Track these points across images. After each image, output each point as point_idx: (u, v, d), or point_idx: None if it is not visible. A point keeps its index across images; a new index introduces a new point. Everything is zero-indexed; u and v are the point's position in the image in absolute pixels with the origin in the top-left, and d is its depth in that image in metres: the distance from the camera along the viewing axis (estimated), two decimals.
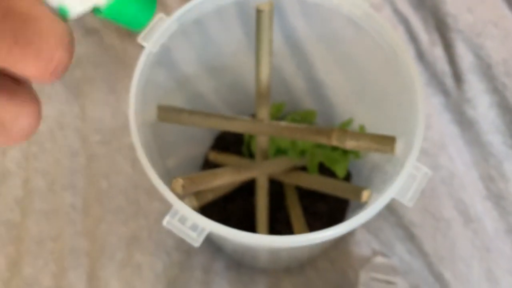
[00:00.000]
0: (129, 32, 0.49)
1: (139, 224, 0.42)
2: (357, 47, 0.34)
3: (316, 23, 0.34)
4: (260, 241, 0.23)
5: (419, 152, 0.25)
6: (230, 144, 0.43)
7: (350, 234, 0.42)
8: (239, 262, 0.41)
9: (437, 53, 0.45)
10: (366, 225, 0.42)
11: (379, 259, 0.41)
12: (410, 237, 0.41)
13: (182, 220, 0.23)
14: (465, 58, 0.43)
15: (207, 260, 0.41)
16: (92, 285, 0.41)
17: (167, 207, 0.43)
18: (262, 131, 0.29)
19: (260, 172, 0.31)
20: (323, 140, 0.28)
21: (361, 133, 0.28)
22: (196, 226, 0.23)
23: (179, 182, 0.24)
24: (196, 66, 0.37)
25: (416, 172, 0.24)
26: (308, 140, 0.28)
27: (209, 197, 0.38)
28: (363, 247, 0.42)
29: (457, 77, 0.44)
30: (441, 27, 0.45)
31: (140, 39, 0.28)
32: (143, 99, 0.28)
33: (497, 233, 0.41)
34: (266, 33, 0.30)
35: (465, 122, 0.43)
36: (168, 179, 0.26)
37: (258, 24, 0.29)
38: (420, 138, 0.25)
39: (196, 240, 0.23)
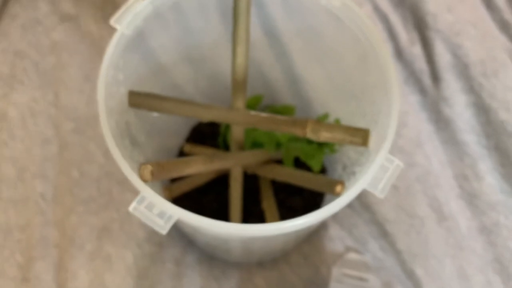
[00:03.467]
0: (107, 19, 0.48)
1: (111, 215, 0.41)
2: (335, 41, 0.34)
3: (296, 15, 0.34)
4: (229, 229, 0.22)
5: (393, 148, 0.25)
6: (206, 136, 0.43)
7: (323, 230, 0.42)
8: (211, 256, 0.41)
9: (415, 51, 0.45)
10: (340, 221, 0.42)
11: (352, 255, 0.41)
12: (384, 234, 0.41)
13: (150, 207, 0.22)
14: (443, 57, 0.44)
15: (179, 253, 0.41)
16: (60, 276, 0.39)
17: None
18: (237, 120, 0.28)
19: (234, 163, 0.31)
20: (297, 132, 0.28)
21: (335, 125, 0.28)
22: (164, 213, 0.22)
23: (147, 168, 0.23)
24: (173, 55, 0.36)
25: (388, 164, 0.24)
26: (283, 131, 0.28)
27: (183, 188, 0.37)
28: (336, 243, 0.41)
29: (435, 76, 0.44)
30: (420, 25, 0.45)
31: (112, 21, 0.27)
32: (114, 84, 0.27)
33: (470, 232, 0.41)
34: (243, 20, 0.29)
35: (441, 121, 0.44)
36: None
37: (235, 10, 0.29)
38: (393, 130, 0.25)
39: (163, 228, 0.22)
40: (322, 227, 0.42)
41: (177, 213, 0.22)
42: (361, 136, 0.27)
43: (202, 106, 0.29)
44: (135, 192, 0.42)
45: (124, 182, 0.42)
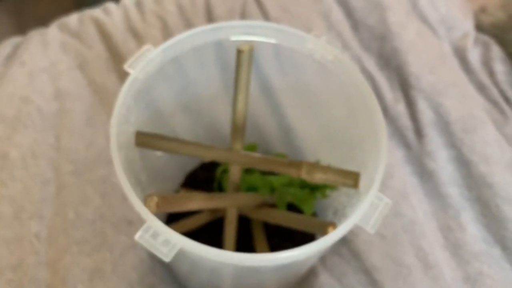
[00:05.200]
0: (110, 69, 0.50)
1: (104, 257, 0.42)
2: (327, 94, 0.36)
3: (289, 71, 0.37)
4: (227, 258, 0.24)
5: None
6: (201, 181, 0.44)
7: (314, 277, 0.42)
8: None
9: (400, 109, 0.48)
10: (330, 269, 0.43)
11: None
12: (372, 282, 0.42)
13: (155, 235, 0.24)
14: (426, 114, 0.47)
15: None
16: None
17: (133, 241, 0.43)
18: (236, 160, 0.30)
19: (231, 202, 0.32)
20: (293, 173, 0.30)
21: (329, 167, 0.30)
22: (168, 242, 0.23)
23: (153, 200, 0.25)
24: (172, 104, 0.39)
25: (378, 202, 0.26)
26: (279, 171, 0.30)
27: (179, 230, 0.38)
28: None
29: (418, 131, 0.47)
30: (404, 85, 0.49)
31: (126, 66, 0.30)
32: (124, 123, 0.29)
33: (455, 281, 0.42)
34: (245, 72, 0.32)
35: (425, 174, 0.46)
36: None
37: (238, 63, 0.32)
38: (381, 170, 0.27)
39: (167, 256, 0.23)
40: (312, 274, 0.43)
41: (181, 241, 0.23)
42: (352, 178, 0.29)
43: (204, 146, 0.30)
44: (129, 235, 0.42)
45: (118, 225, 0.43)
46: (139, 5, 0.55)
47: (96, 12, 0.55)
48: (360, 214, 0.26)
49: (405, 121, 0.47)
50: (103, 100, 0.49)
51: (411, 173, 0.46)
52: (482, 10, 0.54)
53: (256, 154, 0.30)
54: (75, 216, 0.43)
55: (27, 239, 0.42)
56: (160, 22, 0.53)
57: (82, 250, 0.42)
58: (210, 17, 0.54)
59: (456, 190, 0.45)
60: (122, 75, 0.50)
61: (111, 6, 0.56)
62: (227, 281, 0.33)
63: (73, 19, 0.54)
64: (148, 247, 0.24)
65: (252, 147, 0.43)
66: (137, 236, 0.24)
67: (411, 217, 0.44)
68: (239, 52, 0.31)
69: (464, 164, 0.45)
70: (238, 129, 0.32)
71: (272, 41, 0.33)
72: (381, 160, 0.28)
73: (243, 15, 0.54)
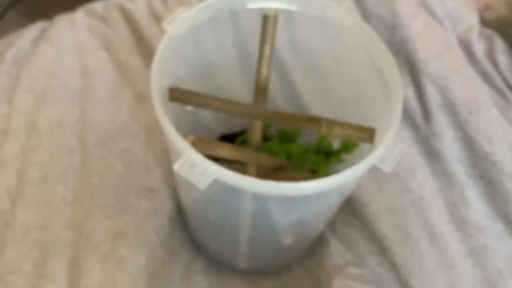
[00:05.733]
0: (134, 51, 0.53)
1: (126, 221, 0.44)
2: (340, 59, 0.38)
3: (300, 35, 0.39)
4: (261, 185, 0.26)
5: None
6: None
7: (325, 246, 0.44)
8: (218, 263, 0.43)
9: (408, 93, 0.51)
10: (340, 238, 0.45)
11: (352, 269, 0.44)
12: (381, 249, 0.44)
13: (192, 166, 0.26)
14: (433, 97, 0.49)
15: (188, 259, 0.43)
16: (73, 274, 0.41)
17: (155, 207, 0.45)
18: (260, 115, 0.33)
19: (253, 158, 0.35)
20: (313, 127, 0.32)
21: (346, 123, 0.32)
22: (204, 171, 0.26)
23: (190, 138, 0.27)
24: (190, 79, 0.41)
25: (394, 146, 0.28)
26: (300, 126, 0.32)
27: None
28: (337, 258, 0.44)
29: (426, 114, 0.50)
30: (412, 70, 0.51)
31: (164, 24, 0.32)
32: (160, 77, 0.31)
33: (460, 253, 0.44)
34: (270, 37, 0.34)
35: (432, 153, 0.48)
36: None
37: (263, 29, 0.34)
38: (397, 117, 0.30)
39: (203, 184, 0.26)
40: (324, 243, 0.45)
41: (216, 170, 0.26)
42: (368, 133, 0.32)
43: (231, 102, 0.33)
44: (151, 201, 0.44)
45: (141, 192, 0.45)
46: None
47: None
48: (379, 154, 0.28)
49: (413, 103, 0.50)
50: (127, 78, 0.51)
51: (418, 152, 0.49)
52: (487, 7, 0.57)
53: (279, 110, 0.33)
54: (99, 182, 0.45)
55: (53, 202, 0.44)
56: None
57: (105, 214, 0.44)
58: None
59: (461, 168, 0.47)
60: (146, 57, 0.53)
61: None
62: (245, 233, 0.35)
63: (99, 5, 0.57)
64: (186, 177, 0.26)
65: (266, 124, 0.45)
66: (175, 166, 0.26)
67: (418, 192, 0.46)
68: (265, 17, 0.34)
69: (469, 143, 0.47)
70: (261, 91, 0.35)
71: (293, 7, 0.36)
72: (396, 108, 0.30)
73: None
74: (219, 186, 0.27)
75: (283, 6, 0.35)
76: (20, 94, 0.49)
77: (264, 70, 0.35)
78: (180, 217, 0.45)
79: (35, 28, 0.55)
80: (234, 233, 0.38)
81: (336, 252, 0.44)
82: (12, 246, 0.42)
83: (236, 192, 0.27)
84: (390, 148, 0.28)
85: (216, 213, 0.36)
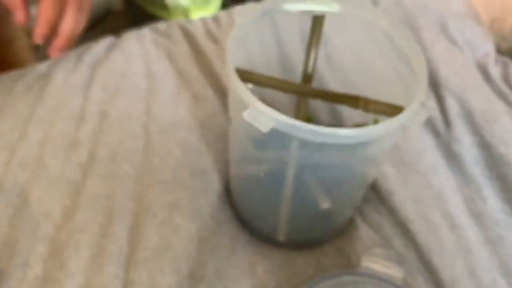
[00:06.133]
0: (192, 61, 0.62)
1: (181, 195, 0.50)
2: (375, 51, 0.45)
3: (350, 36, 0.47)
4: (313, 130, 0.32)
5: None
6: None
7: (354, 229, 0.50)
8: (260, 237, 0.48)
9: (431, 104, 0.57)
10: (368, 223, 0.50)
11: (378, 249, 0.48)
12: (406, 233, 0.49)
13: (257, 113, 0.33)
14: (453, 107, 0.56)
15: (234, 230, 0.49)
16: (133, 237, 0.47)
17: (206, 185, 0.51)
18: (308, 93, 0.40)
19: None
20: (353, 103, 0.39)
21: (380, 101, 0.39)
22: (266, 117, 0.32)
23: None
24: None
25: (420, 110, 0.35)
26: (341, 103, 0.39)
27: None
28: (365, 240, 0.49)
29: (446, 122, 0.56)
30: (435, 86, 0.58)
31: (236, 14, 0.40)
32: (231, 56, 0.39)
33: (477, 242, 0.49)
34: (318, 33, 0.42)
35: (452, 157, 0.54)
36: None
37: (313, 27, 0.42)
38: (423, 87, 0.36)
39: (265, 127, 0.32)
40: (353, 227, 0.50)
41: (277, 117, 0.32)
42: (398, 110, 0.38)
43: (286, 81, 0.40)
44: (204, 181, 0.51)
45: (195, 173, 0.52)
46: (215, 19, 0.68)
47: (180, 21, 0.67)
48: (408, 114, 0.34)
49: (435, 114, 0.56)
50: (185, 82, 0.60)
51: (439, 156, 0.55)
52: (502, 38, 0.64)
53: (324, 89, 0.40)
54: (159, 163, 0.52)
55: (118, 176, 0.51)
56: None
57: (163, 188, 0.50)
58: None
59: (478, 169, 0.53)
60: (201, 66, 0.61)
61: (193, 19, 0.68)
62: (286, 201, 0.41)
63: (162, 25, 0.67)
64: (252, 122, 0.32)
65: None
66: (245, 114, 0.33)
67: (439, 188, 0.52)
68: (315, 18, 0.42)
69: (485, 147, 0.53)
70: (308, 77, 0.42)
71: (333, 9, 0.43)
72: (422, 81, 0.36)
73: None
74: (274, 133, 0.33)
75: (323, 8, 0.43)
76: (95, 89, 0.57)
77: (311, 60, 0.42)
78: (227, 197, 0.51)
79: (108, 40, 0.64)
80: (277, 202, 0.44)
81: (365, 234, 0.49)
82: (82, 210, 0.49)
83: (286, 139, 0.34)
84: (417, 111, 0.34)
85: (263, 177, 0.42)
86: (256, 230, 0.49)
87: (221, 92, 0.59)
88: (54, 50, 0.58)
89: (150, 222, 0.48)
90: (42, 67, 0.61)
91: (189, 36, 0.64)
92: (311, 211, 0.44)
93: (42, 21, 0.56)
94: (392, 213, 0.50)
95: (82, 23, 0.58)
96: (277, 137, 0.34)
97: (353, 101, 0.39)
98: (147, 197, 0.50)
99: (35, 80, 0.59)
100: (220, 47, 0.63)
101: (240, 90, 0.34)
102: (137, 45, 0.63)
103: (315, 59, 0.42)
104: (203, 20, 0.67)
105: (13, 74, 0.61)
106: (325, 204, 0.42)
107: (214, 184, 0.51)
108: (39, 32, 0.56)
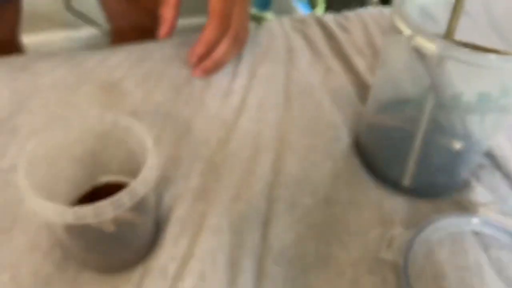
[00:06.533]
0: (323, 41, 0.71)
1: (317, 140, 0.58)
2: None
3: None
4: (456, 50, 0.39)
5: None
6: None
7: (470, 189, 0.55)
8: (386, 182, 0.55)
9: None
10: (484, 185, 0.55)
11: (494, 205, 0.53)
12: None
13: (410, 38, 0.41)
14: None
15: (363, 175, 0.56)
16: (276, 166, 0.55)
17: (337, 136, 0.58)
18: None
19: None
20: None
21: None
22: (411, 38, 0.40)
23: None
24: None
25: None
26: None
27: None
28: (481, 197, 0.54)
29: None
30: None
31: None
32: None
33: None
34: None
35: None
36: None
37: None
38: None
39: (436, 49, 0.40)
40: (469, 188, 0.55)
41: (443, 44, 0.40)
42: None
43: None
44: (335, 132, 0.59)
45: (327, 125, 0.60)
46: (345, 16, 0.77)
47: (314, 14, 0.78)
48: None
49: None
50: (319, 59, 0.69)
51: None
52: None
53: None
54: (298, 114, 0.61)
55: (265, 120, 0.60)
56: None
57: (302, 134, 0.59)
58: None
59: None
60: (333, 49, 0.71)
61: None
62: (417, 141, 0.48)
63: (298, 15, 0.77)
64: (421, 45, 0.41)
65: None
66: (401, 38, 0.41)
67: None
68: None
69: None
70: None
71: None
72: None
73: None
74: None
75: None
76: (246, 54, 0.68)
77: (454, 23, 0.50)
78: (356, 148, 0.58)
79: (253, 24, 0.75)
80: (407, 149, 0.50)
81: (481, 193, 0.54)
82: (234, 142, 0.58)
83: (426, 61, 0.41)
84: None
85: (399, 124, 0.49)
86: (382, 176, 0.55)
87: (350, 71, 0.68)
88: (199, 70, 0.64)
89: (290, 157, 0.56)
90: None
91: (322, 25, 0.74)
92: (439, 156, 0.50)
93: (203, 42, 0.61)
94: (508, 177, 0.55)
95: (233, 55, 0.64)
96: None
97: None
98: (288, 139, 0.58)
99: None
100: (350, 36, 0.73)
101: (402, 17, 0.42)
102: (279, 27, 0.73)
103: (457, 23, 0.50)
104: (334, 15, 0.77)
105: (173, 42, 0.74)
106: (456, 144, 0.48)
107: (344, 136, 0.59)
108: (198, 51, 0.62)
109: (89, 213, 0.38)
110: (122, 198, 0.39)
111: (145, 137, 0.43)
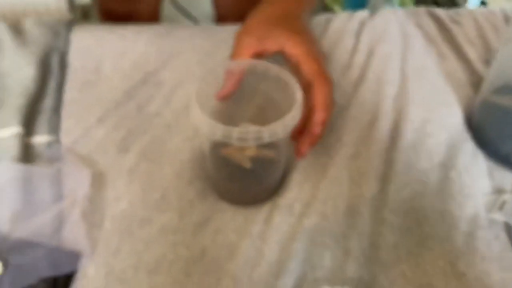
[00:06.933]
0: (439, 33, 0.75)
1: (433, 114, 0.62)
2: None
3: None
4: None
5: None
6: None
7: None
8: (496, 158, 0.58)
9: None
10: None
11: None
12: None
13: None
14: None
15: (474, 148, 0.59)
16: (393, 133, 0.60)
17: (451, 112, 0.62)
18: None
19: None
20: None
21: None
22: None
23: None
24: None
25: None
26: None
27: None
28: None
29: None
30: None
31: None
32: None
33: None
34: None
35: None
36: None
37: None
38: None
39: None
40: None
41: None
42: None
43: None
44: (449, 109, 0.62)
45: (444, 103, 0.64)
46: (456, 12, 0.81)
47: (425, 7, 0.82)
48: None
49: None
50: (432, 44, 0.73)
51: None
52: None
53: None
54: (413, 93, 0.65)
55: (382, 98, 0.64)
56: None
57: (418, 108, 0.63)
58: None
59: None
60: (445, 38, 0.74)
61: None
62: None
63: (409, 7, 0.82)
64: None
65: None
66: None
67: None
68: None
69: None
70: None
71: None
72: None
73: None
74: None
75: None
76: (364, 35, 0.73)
77: None
78: (468, 125, 0.62)
79: (364, 12, 0.80)
80: None
81: None
82: (354, 108, 0.63)
83: None
84: None
85: None
86: (493, 151, 0.58)
87: (462, 59, 0.71)
88: (309, 145, 0.52)
89: (407, 127, 0.61)
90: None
91: (434, 16, 0.78)
92: None
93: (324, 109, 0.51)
94: None
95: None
96: None
97: None
98: (405, 111, 0.63)
99: (317, 25, 0.76)
100: (461, 28, 0.76)
101: None
102: (392, 16, 0.78)
103: None
104: (448, 9, 0.81)
105: None
106: None
107: (458, 113, 0.62)
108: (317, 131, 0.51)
109: (234, 134, 0.44)
110: (263, 132, 0.45)
111: (295, 88, 0.49)
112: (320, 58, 0.53)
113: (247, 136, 0.45)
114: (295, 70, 0.52)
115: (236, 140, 0.45)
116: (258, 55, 0.53)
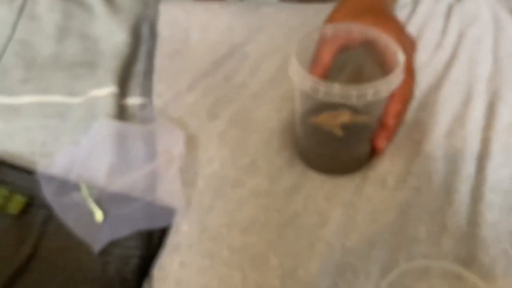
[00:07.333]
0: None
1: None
2: None
3: None
4: None
5: None
6: None
7: None
8: None
9: None
10: None
11: None
12: None
13: None
14: None
15: None
16: (488, 112, 0.58)
17: None
18: None
19: None
20: None
21: None
22: None
23: None
24: None
25: None
26: None
27: None
28: None
29: None
30: None
31: None
32: None
33: None
34: None
35: None
36: None
37: None
38: None
39: None
40: None
41: None
42: None
43: None
44: None
45: None
46: None
47: None
48: None
49: None
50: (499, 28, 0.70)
51: None
52: None
53: None
54: (509, 74, 0.63)
55: (475, 79, 0.62)
56: None
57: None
58: None
59: None
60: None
61: None
62: None
63: None
64: None
65: None
66: None
67: None
68: None
69: None
70: None
71: None
72: None
73: None
74: None
75: None
76: (453, 18, 0.71)
77: None
78: None
79: None
80: None
81: None
82: (446, 88, 0.61)
83: None
84: None
85: None
86: None
87: None
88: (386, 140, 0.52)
89: (503, 108, 0.58)
90: None
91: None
92: None
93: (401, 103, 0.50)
94: None
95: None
96: None
97: None
98: (499, 92, 0.60)
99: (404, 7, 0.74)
100: None
101: None
102: (482, 0, 0.75)
103: None
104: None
105: None
106: None
107: None
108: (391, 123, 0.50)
109: (337, 90, 0.43)
110: (367, 89, 0.44)
111: (396, 50, 0.48)
112: (408, 47, 0.52)
113: (350, 93, 0.44)
114: (381, 60, 0.50)
115: (339, 96, 0.44)
116: (344, 47, 0.52)
